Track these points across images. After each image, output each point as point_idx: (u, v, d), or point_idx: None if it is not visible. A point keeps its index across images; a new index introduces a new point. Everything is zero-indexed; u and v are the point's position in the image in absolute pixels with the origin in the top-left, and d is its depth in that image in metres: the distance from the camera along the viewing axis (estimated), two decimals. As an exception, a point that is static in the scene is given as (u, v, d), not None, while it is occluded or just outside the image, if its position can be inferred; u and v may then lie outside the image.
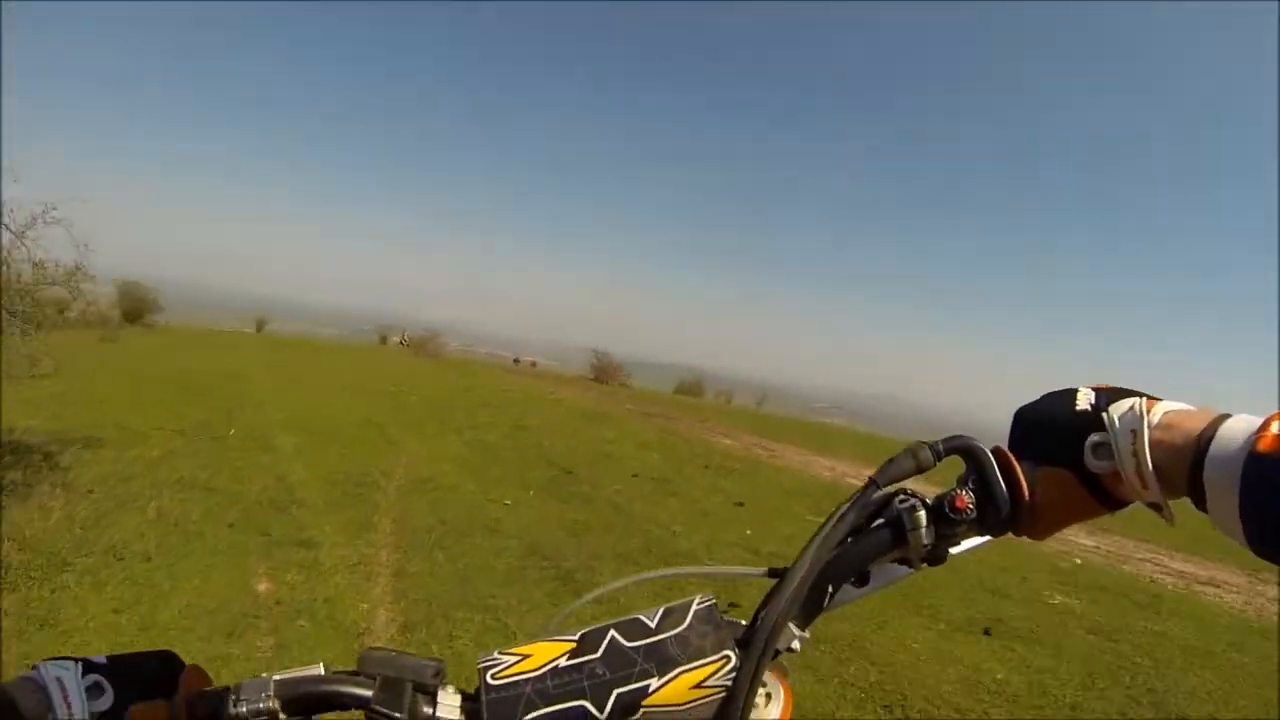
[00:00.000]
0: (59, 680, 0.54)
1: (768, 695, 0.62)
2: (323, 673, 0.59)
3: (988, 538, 0.65)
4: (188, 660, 0.62)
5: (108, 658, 0.59)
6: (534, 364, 44.39)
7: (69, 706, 0.53)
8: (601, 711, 0.55)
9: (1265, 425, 0.51)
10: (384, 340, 35.81)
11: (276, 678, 0.58)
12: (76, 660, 0.57)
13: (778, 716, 0.61)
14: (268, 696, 0.56)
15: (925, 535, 0.61)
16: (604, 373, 28.58)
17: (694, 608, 0.62)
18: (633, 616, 0.63)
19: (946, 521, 0.61)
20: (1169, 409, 0.57)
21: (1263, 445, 0.50)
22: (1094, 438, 0.59)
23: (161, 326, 30.66)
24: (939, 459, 0.64)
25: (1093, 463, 0.59)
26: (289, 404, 11.66)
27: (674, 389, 30.72)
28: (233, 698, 0.56)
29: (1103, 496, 0.60)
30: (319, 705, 0.58)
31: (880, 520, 0.64)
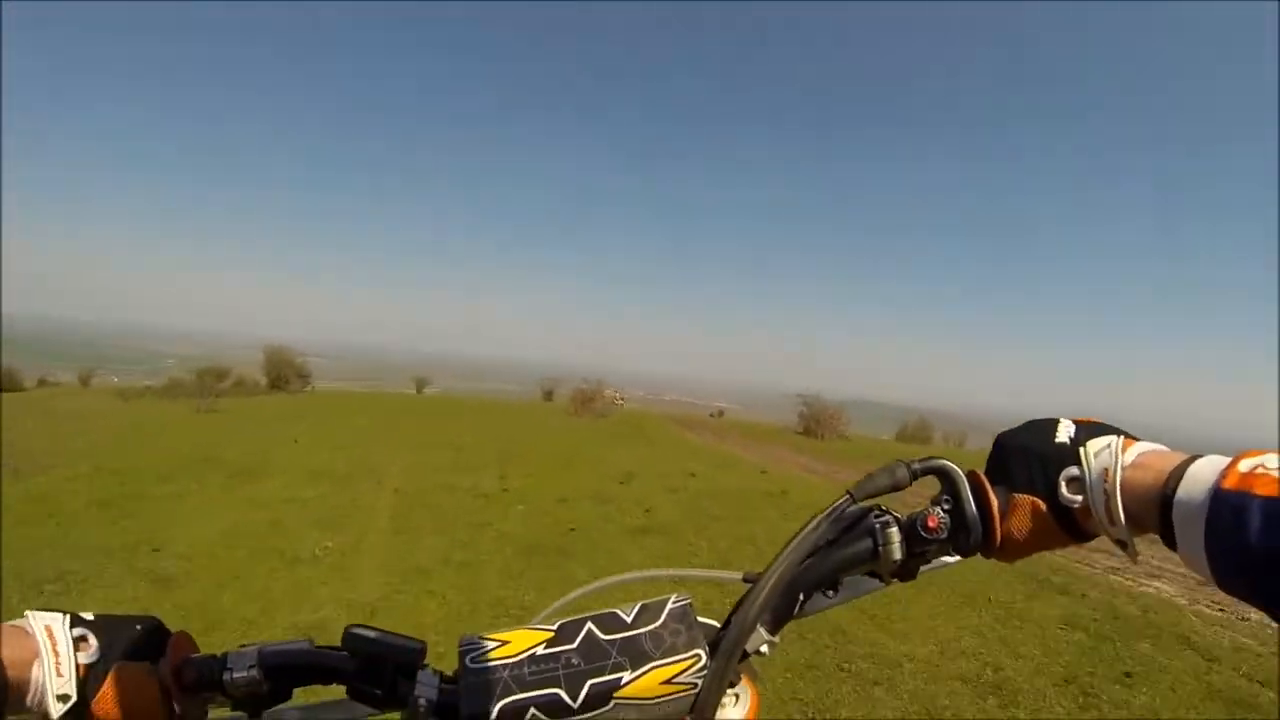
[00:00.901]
0: (47, 628, 0.55)
1: (735, 695, 0.64)
2: (308, 647, 0.61)
3: (958, 558, 0.66)
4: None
5: (95, 615, 0.59)
6: (721, 412, 37.36)
7: (56, 655, 0.54)
8: (575, 700, 0.58)
9: (1232, 464, 0.52)
10: (549, 396, 30.87)
11: (262, 649, 0.60)
12: (65, 613, 0.57)
13: (744, 716, 0.64)
14: (252, 666, 0.59)
15: (897, 551, 0.63)
16: (817, 423, 20.93)
17: (669, 606, 0.64)
18: (610, 610, 0.65)
19: (918, 540, 0.62)
20: (1144, 449, 0.58)
21: (1227, 483, 0.50)
22: (1069, 471, 0.60)
23: (303, 391, 27.73)
24: (915, 478, 0.64)
25: (1065, 496, 0.59)
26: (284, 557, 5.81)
27: (895, 435, 25.48)
28: (219, 665, 0.58)
29: (1072, 528, 0.60)
30: (302, 677, 0.60)
31: (854, 533, 0.65)
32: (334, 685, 0.60)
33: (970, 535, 0.61)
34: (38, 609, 0.57)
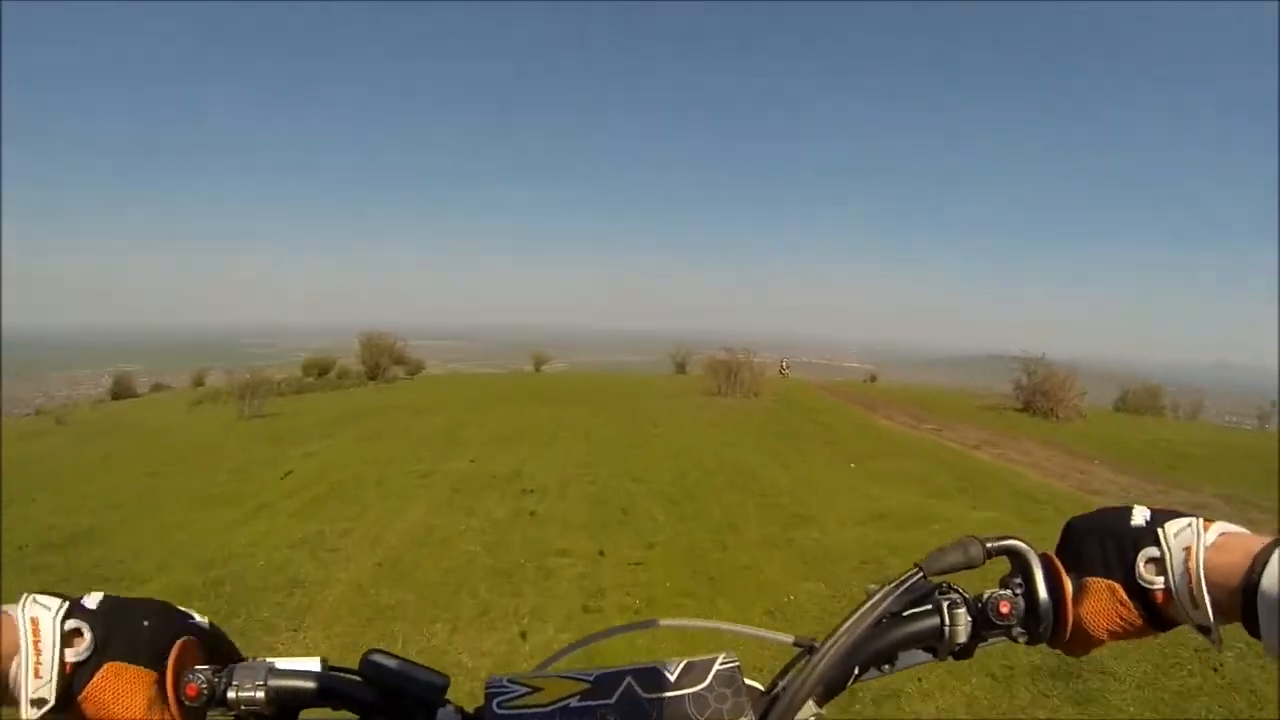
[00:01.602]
0: (34, 621, 0.51)
1: None
2: (319, 668, 0.57)
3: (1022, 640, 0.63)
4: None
5: (101, 600, 0.54)
6: (874, 377, 31.01)
7: (36, 652, 0.50)
8: None
9: None
10: (682, 368, 26.58)
11: (272, 665, 0.57)
12: (64, 600, 0.53)
13: None
14: (259, 685, 0.55)
15: (962, 633, 0.61)
16: (1044, 396, 14.59)
17: (716, 667, 0.60)
18: (651, 665, 0.60)
19: (987, 624, 0.60)
20: (1226, 530, 0.56)
21: None
22: (1148, 551, 0.57)
23: (398, 380, 25.38)
24: (988, 557, 0.62)
25: (1144, 577, 0.57)
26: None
27: (1113, 405, 18.65)
28: (226, 680, 0.55)
29: (1151, 613, 0.58)
30: (311, 701, 0.57)
31: (921, 609, 0.62)
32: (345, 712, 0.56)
33: (1041, 623, 0.59)
34: (39, 591, 0.53)
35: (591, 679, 0.58)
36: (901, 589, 0.60)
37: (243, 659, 0.58)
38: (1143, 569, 0.57)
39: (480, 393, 18.85)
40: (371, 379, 24.54)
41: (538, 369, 32.36)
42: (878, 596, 0.59)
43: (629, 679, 0.58)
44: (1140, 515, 0.60)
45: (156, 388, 30.59)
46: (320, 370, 26.48)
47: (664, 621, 0.73)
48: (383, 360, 25.34)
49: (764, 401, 15.51)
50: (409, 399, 17.52)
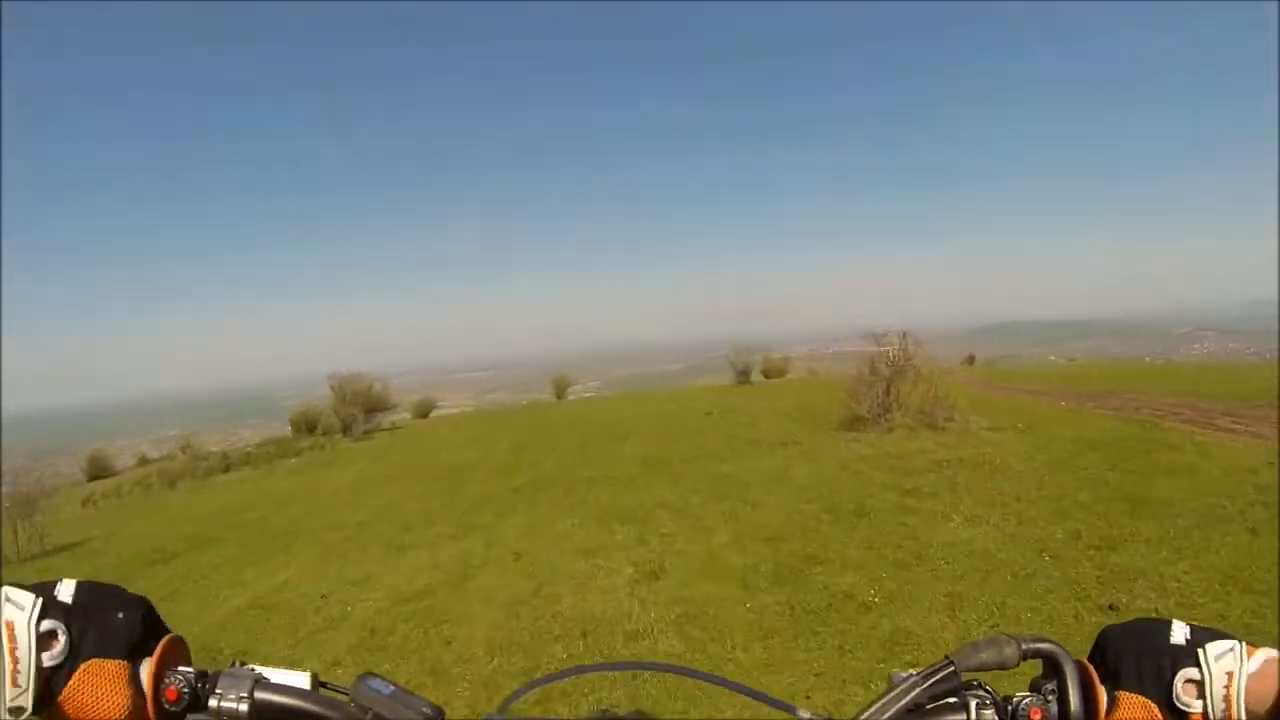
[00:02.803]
0: (9, 626, 0.49)
1: None
2: (308, 686, 0.55)
3: None
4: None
5: (75, 591, 0.51)
6: (972, 359, 25.11)
7: (14, 660, 0.48)
8: None
9: None
10: (745, 377, 20.78)
11: (261, 675, 0.54)
12: (37, 595, 0.50)
13: None
14: (244, 697, 0.52)
15: None
16: None
17: None
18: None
19: None
20: (1270, 656, 0.55)
21: None
22: (1187, 673, 0.56)
23: (376, 433, 20.21)
24: (1023, 659, 0.60)
25: (1181, 699, 0.55)
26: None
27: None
28: (209, 684, 0.52)
29: None
30: (297, 719, 0.54)
31: (946, 705, 0.60)
32: None
33: None
34: (11, 584, 0.50)
35: None
36: (930, 681, 0.57)
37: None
38: (1181, 690, 0.55)
39: (477, 444, 12.95)
40: (345, 432, 19.01)
41: (560, 396, 27.20)
42: (904, 686, 0.57)
43: None
44: (1180, 633, 0.58)
45: (142, 462, 25.04)
46: (309, 425, 21.63)
47: (666, 666, 0.72)
48: (354, 410, 19.65)
49: (986, 439, 8.12)
50: (344, 474, 11.79)
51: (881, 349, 9.78)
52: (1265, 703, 0.52)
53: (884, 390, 9.41)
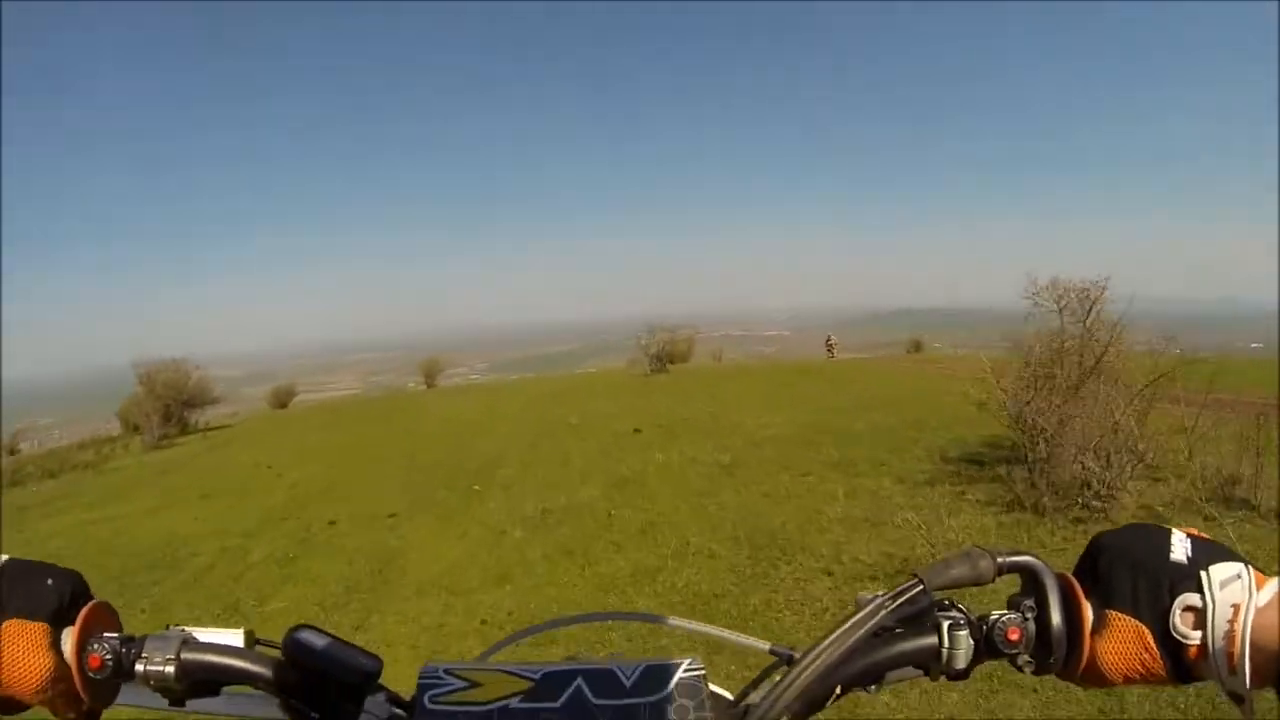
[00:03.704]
0: None
1: None
2: (241, 644, 0.52)
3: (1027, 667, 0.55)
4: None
5: (6, 561, 0.50)
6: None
7: None
8: None
9: None
10: (662, 365, 18.53)
11: (190, 636, 0.51)
12: None
13: None
14: (170, 660, 0.49)
15: (963, 658, 0.52)
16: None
17: (678, 675, 0.51)
18: (606, 666, 0.51)
19: (991, 649, 0.52)
20: (1277, 590, 0.47)
21: None
22: (1187, 598, 0.49)
23: (184, 439, 15.94)
24: (999, 574, 0.54)
25: (1179, 629, 0.48)
26: None
27: None
28: (135, 650, 0.49)
29: (1179, 667, 0.49)
30: (229, 679, 0.51)
31: (917, 626, 0.54)
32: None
33: (1053, 653, 0.52)
34: None
35: (538, 677, 0.51)
36: (898, 602, 0.53)
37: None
38: (1179, 620, 0.48)
39: (254, 487, 9.15)
40: (160, 441, 15.07)
41: (430, 385, 24.80)
42: (870, 608, 0.52)
43: (579, 680, 0.50)
44: (1181, 547, 0.51)
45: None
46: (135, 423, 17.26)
47: (623, 615, 0.58)
48: (163, 406, 15.89)
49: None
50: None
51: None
52: (1273, 641, 0.45)
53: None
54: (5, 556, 0.50)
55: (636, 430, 9.27)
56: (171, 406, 16.04)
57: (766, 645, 0.59)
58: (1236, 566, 0.48)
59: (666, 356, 18.53)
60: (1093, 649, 0.51)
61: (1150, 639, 0.49)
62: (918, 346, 25.19)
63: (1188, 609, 0.48)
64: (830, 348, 23.12)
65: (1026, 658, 0.52)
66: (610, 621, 3.19)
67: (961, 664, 0.52)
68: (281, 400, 28.37)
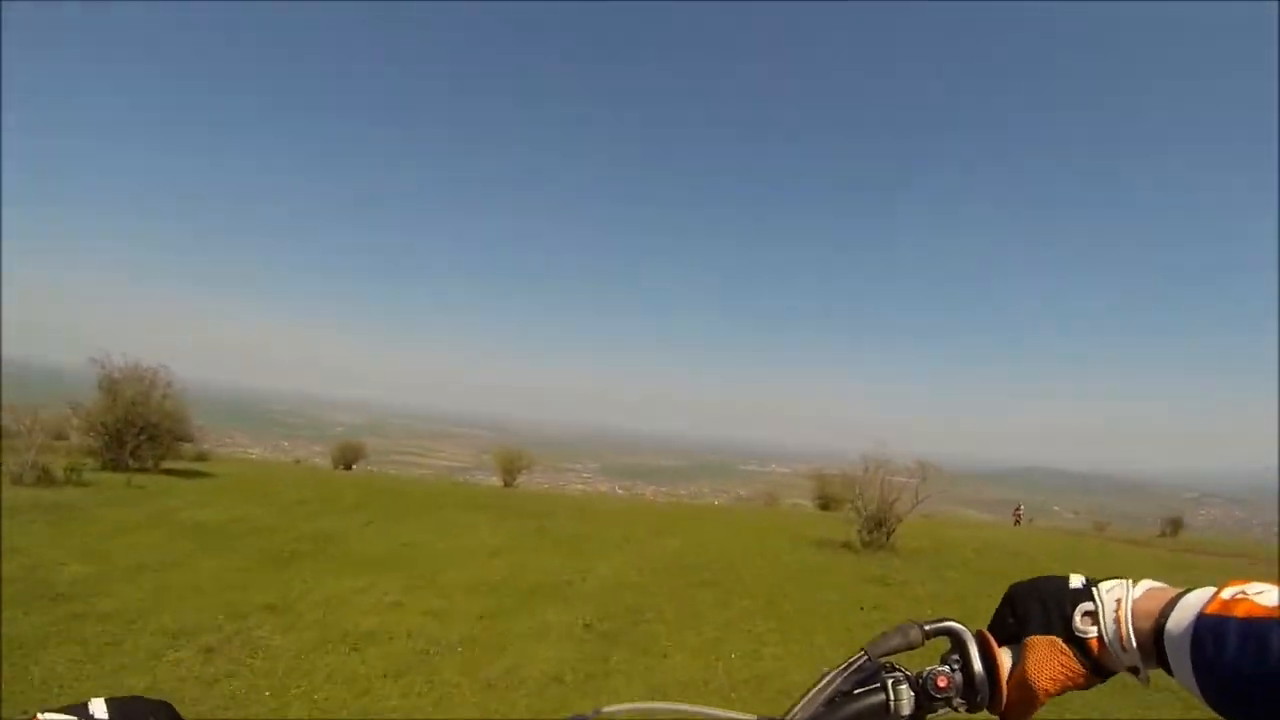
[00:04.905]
0: None
1: None
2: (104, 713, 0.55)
3: (965, 711, 0.67)
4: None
5: (108, 706, 0.54)
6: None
7: None
8: None
9: (1217, 591, 0.58)
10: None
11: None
12: (78, 716, 0.53)
13: None
14: None
15: (906, 707, 0.64)
16: None
17: None
18: None
19: (927, 698, 0.64)
20: (1151, 585, 0.63)
21: (1210, 609, 0.57)
22: (1084, 606, 0.63)
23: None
24: (927, 639, 0.67)
25: (1079, 628, 0.62)
26: None
27: None
28: None
29: (1089, 660, 0.62)
30: None
31: (867, 688, 0.66)
32: None
33: (979, 693, 0.64)
34: (48, 710, 0.53)
35: None
36: (849, 670, 0.65)
37: None
38: (1079, 621, 0.62)
39: None
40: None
41: (509, 484, 20.72)
42: (828, 678, 0.65)
43: None
44: (1077, 580, 0.65)
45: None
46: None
47: (608, 709, 0.68)
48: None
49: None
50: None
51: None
52: (1149, 619, 0.59)
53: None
54: (101, 700, 0.53)
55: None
56: (125, 432, 11.06)
57: (754, 717, 0.65)
58: (1120, 580, 0.64)
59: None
60: (1021, 672, 0.63)
61: (1061, 643, 0.62)
62: (1175, 528, 19.58)
63: (1085, 614, 0.62)
64: (1018, 516, 22.86)
65: (959, 700, 0.64)
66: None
67: (906, 711, 0.63)
68: (347, 460, 24.14)
